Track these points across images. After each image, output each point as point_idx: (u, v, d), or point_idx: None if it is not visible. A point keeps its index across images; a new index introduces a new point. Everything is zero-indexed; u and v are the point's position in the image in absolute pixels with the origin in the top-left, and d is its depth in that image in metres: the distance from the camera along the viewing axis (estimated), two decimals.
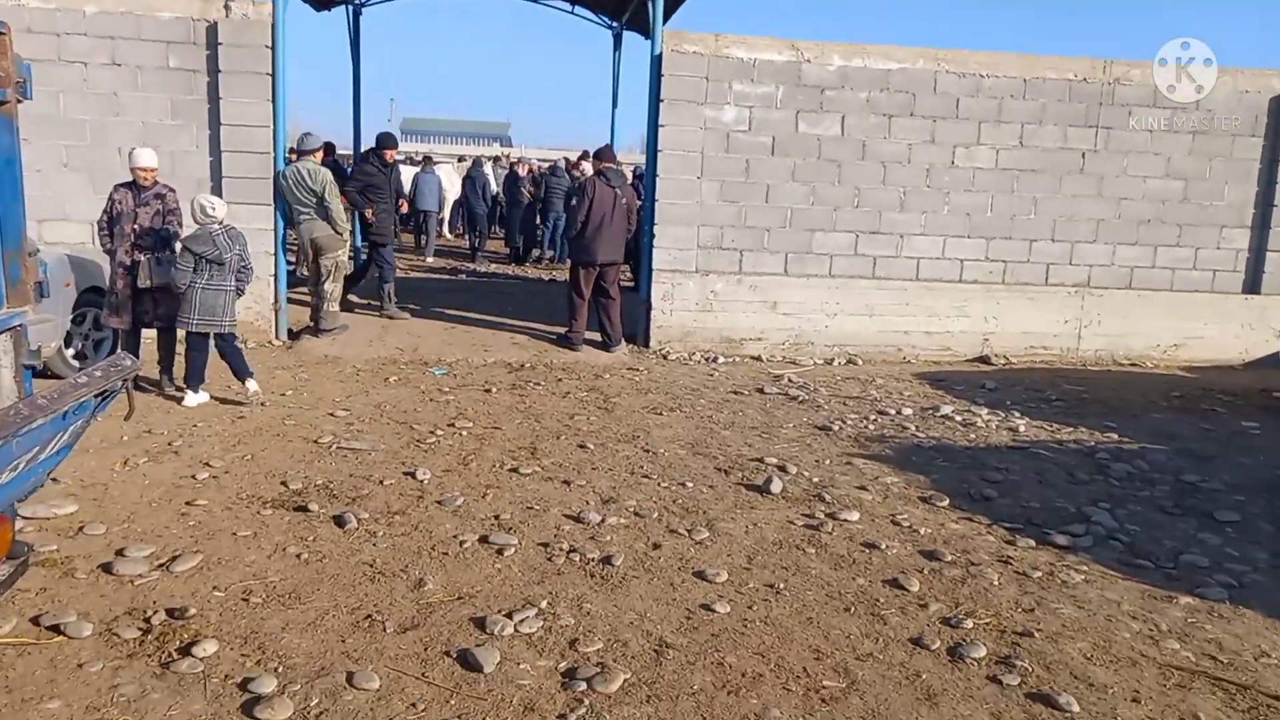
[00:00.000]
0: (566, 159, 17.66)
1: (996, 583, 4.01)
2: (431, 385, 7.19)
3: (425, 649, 3.27)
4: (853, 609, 3.72)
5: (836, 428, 6.46)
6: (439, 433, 5.90)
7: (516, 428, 6.12)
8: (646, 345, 8.91)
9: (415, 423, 6.11)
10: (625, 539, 4.34)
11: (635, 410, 6.72)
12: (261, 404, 6.36)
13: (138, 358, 6.62)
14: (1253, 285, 9.59)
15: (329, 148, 13.89)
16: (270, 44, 7.98)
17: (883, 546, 4.35)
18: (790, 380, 8.00)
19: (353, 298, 10.30)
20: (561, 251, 15.27)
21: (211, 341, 6.36)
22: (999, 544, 4.49)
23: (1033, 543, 4.50)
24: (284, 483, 4.87)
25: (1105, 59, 9.16)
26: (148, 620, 3.36)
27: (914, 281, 9.20)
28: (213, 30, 7.91)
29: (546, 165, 18.07)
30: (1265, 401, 7.90)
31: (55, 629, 3.27)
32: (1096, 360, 9.38)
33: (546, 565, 4.01)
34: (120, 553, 3.91)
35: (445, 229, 18.58)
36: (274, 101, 8.07)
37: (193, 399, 6.30)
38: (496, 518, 4.51)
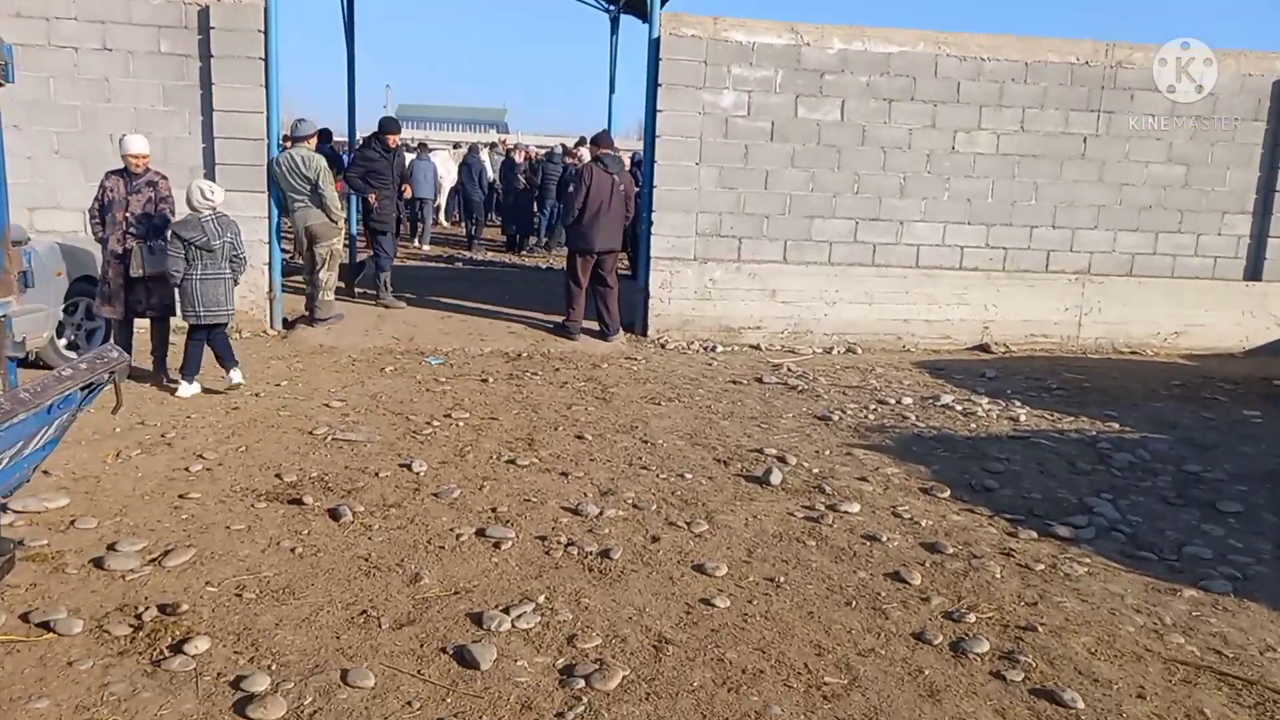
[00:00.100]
0: (564, 145, 17.53)
1: (999, 576, 3.97)
2: (428, 375, 7.13)
3: (421, 645, 3.22)
4: (854, 603, 3.68)
5: (836, 418, 6.41)
6: (435, 424, 5.84)
7: (514, 418, 6.06)
8: (644, 334, 8.85)
9: (411, 414, 6.05)
10: (624, 532, 4.29)
11: (633, 400, 6.67)
12: (256, 394, 6.30)
13: (130, 347, 6.60)
14: (1254, 272, 9.54)
15: (325, 135, 13.77)
16: (263, 28, 7.87)
17: (884, 539, 4.31)
18: (789, 369, 7.95)
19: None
20: (554, 239, 15.19)
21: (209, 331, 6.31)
22: (1001, 536, 4.45)
23: (1035, 534, 4.45)
24: (278, 475, 4.82)
25: (1108, 42, 9.06)
26: (139, 617, 3.31)
27: (914, 269, 9.13)
28: (204, 14, 7.80)
29: (543, 152, 17.95)
30: (1266, 390, 7.86)
31: (45, 626, 3.22)
32: (1097, 348, 9.33)
33: (544, 559, 3.96)
34: (112, 547, 3.86)
35: (442, 217, 18.47)
36: (267, 87, 7.97)
37: (186, 389, 6.24)
38: (493, 510, 4.47)
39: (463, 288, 10.81)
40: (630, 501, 4.66)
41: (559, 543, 4.11)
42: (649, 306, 8.85)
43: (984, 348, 9.10)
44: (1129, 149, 9.20)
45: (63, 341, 6.81)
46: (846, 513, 4.63)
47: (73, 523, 4.11)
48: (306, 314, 8.54)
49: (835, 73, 8.75)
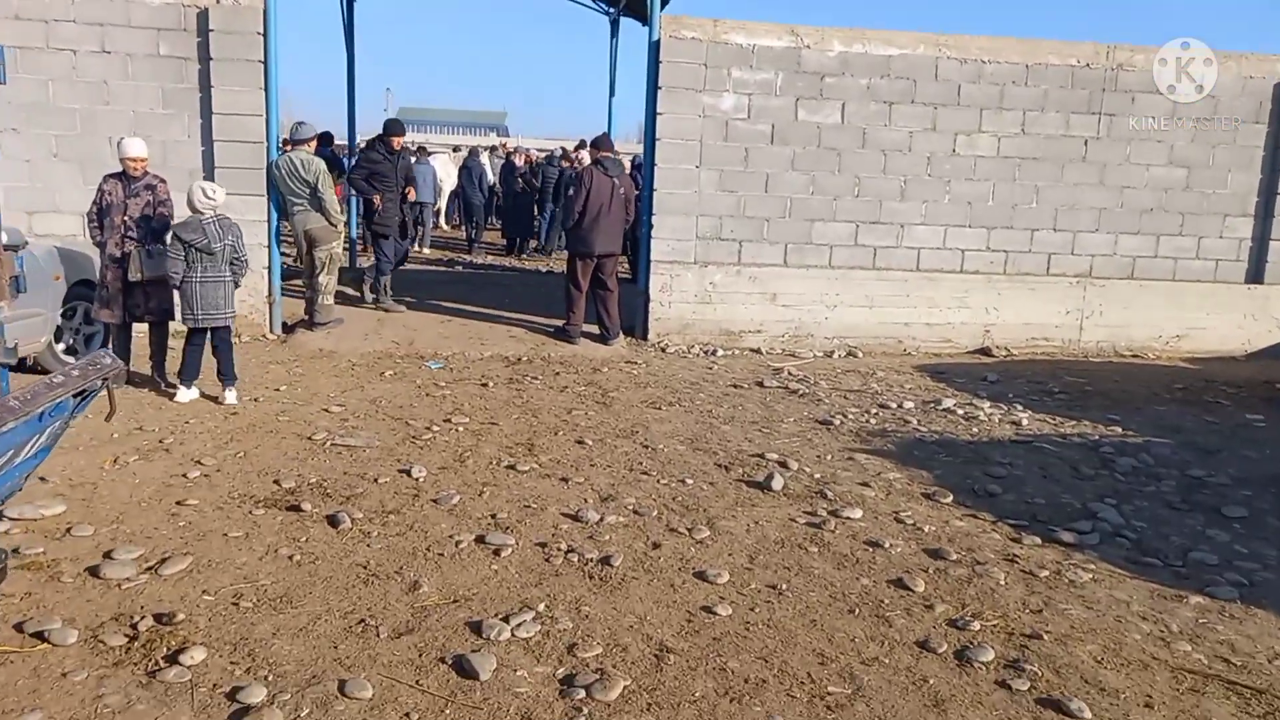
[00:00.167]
0: (564, 148, 17.51)
1: (1003, 582, 3.94)
2: (428, 380, 7.09)
3: (420, 655, 3.19)
4: (857, 611, 3.65)
5: (837, 422, 6.37)
6: (435, 429, 5.81)
7: (514, 423, 6.03)
8: (645, 338, 8.82)
9: (411, 418, 6.02)
10: (624, 538, 4.26)
11: (634, 405, 6.64)
12: (254, 399, 6.27)
13: (129, 352, 6.58)
14: (1256, 275, 9.51)
15: (327, 138, 13.75)
16: (262, 30, 7.84)
17: (886, 545, 4.27)
18: (790, 373, 7.92)
19: (348, 290, 10.20)
20: (552, 242, 15.16)
21: (208, 334, 6.24)
22: (1004, 542, 4.41)
23: (1039, 540, 4.42)
24: (277, 481, 4.78)
25: (1109, 44, 9.04)
26: (135, 626, 3.28)
27: (914, 272, 9.10)
28: (203, 16, 7.78)
29: (543, 155, 17.92)
30: (1269, 393, 7.83)
31: (39, 636, 3.18)
32: (1098, 351, 9.30)
33: (544, 566, 3.93)
34: (108, 555, 3.83)
35: (442, 220, 18.44)
36: (266, 90, 7.94)
37: (185, 394, 6.20)
38: (493, 517, 4.43)
39: (463, 291, 10.78)
40: (631, 507, 4.63)
41: (559, 549, 4.08)
42: (649, 310, 8.82)
43: (985, 351, 9.07)
44: (1130, 152, 9.17)
45: (61, 346, 6.78)
46: (849, 519, 4.60)
47: (69, 530, 4.08)
48: (306, 318, 8.51)
49: (835, 75, 8.73)
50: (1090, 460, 5.73)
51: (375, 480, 4.86)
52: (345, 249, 11.00)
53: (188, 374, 6.23)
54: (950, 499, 4.94)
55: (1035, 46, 9.00)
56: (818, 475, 5.25)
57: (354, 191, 10.35)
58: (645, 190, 8.85)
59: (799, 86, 8.70)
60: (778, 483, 4.98)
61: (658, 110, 8.56)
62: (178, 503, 4.45)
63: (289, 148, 8.43)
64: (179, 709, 2.83)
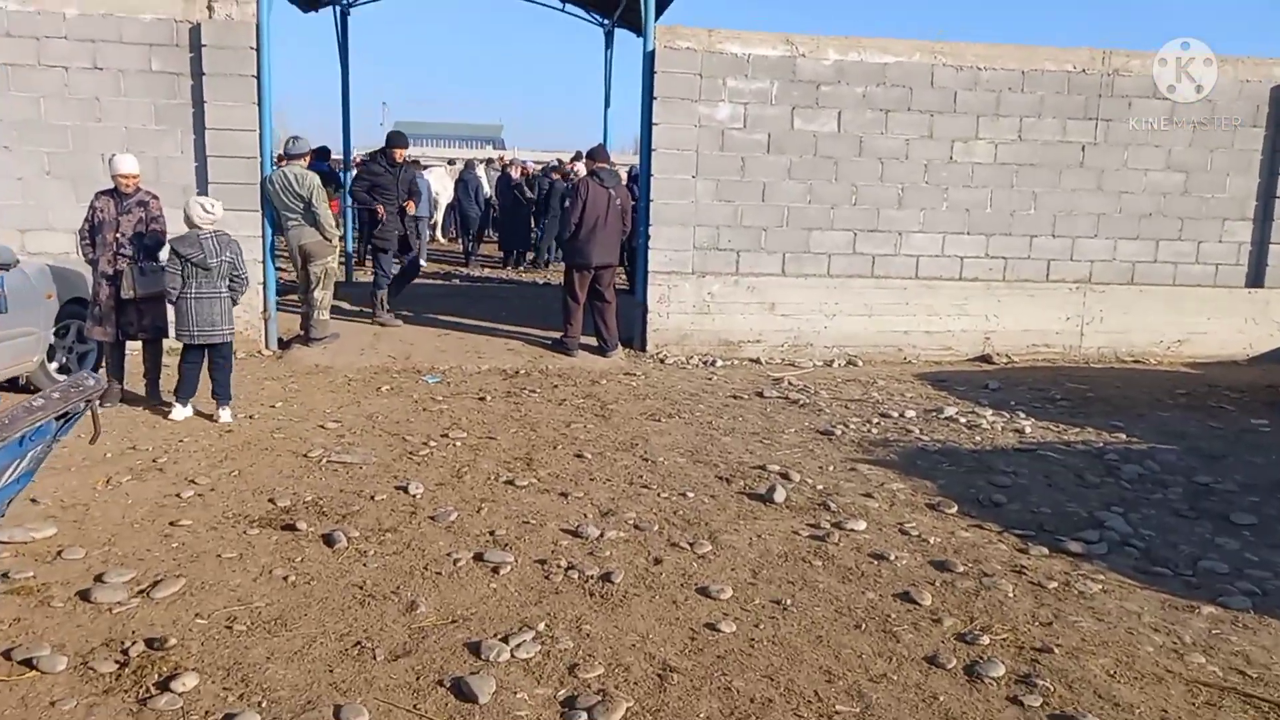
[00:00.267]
0: (560, 160, 17.49)
1: (1011, 594, 3.87)
2: (425, 394, 7.03)
3: (417, 678, 3.11)
4: (864, 626, 3.57)
5: (839, 432, 6.31)
6: (432, 444, 5.74)
7: (512, 437, 5.96)
8: (643, 349, 8.76)
9: (408, 434, 5.95)
10: (625, 554, 4.19)
11: (633, 417, 6.57)
12: (250, 417, 6.20)
13: (123, 370, 6.51)
14: (1256, 279, 9.47)
15: (324, 152, 13.71)
16: (255, 45, 7.80)
17: (892, 557, 4.20)
18: (790, 383, 7.86)
19: (346, 304, 10.15)
20: (541, 254, 15.12)
21: (205, 352, 6.17)
22: (1011, 552, 4.34)
23: (1046, 550, 4.35)
24: (272, 500, 4.71)
25: (1105, 50, 9.02)
26: (125, 652, 3.20)
27: (913, 280, 9.06)
28: (196, 32, 7.74)
29: (539, 167, 17.91)
30: (1272, 398, 7.77)
31: (28, 663, 3.11)
32: (1099, 357, 9.25)
33: (544, 584, 3.85)
34: (99, 578, 3.75)
35: (438, 233, 18.41)
36: (260, 104, 7.90)
37: (180, 412, 6.13)
38: (491, 534, 4.36)
39: (460, 304, 10.72)
40: (631, 522, 4.56)
41: (559, 566, 4.01)
42: (647, 321, 8.77)
43: (986, 358, 9.02)
44: (1128, 157, 9.15)
45: (54, 365, 6.71)
46: (852, 531, 4.53)
47: (60, 553, 4.00)
48: (302, 333, 8.45)
49: (831, 84, 8.70)
50: (1095, 468, 5.67)
51: (372, 498, 4.79)
52: (341, 264, 10.96)
53: (184, 391, 6.17)
54: (955, 509, 4.88)
55: (1031, 53, 8.98)
56: (820, 487, 5.18)
57: (355, 204, 10.32)
58: (642, 201, 8.81)
59: (795, 95, 8.68)
60: (780, 495, 4.91)
61: (653, 120, 8.53)
62: (171, 523, 4.37)
63: (284, 163, 8.38)
64: None
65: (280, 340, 8.44)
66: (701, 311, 8.78)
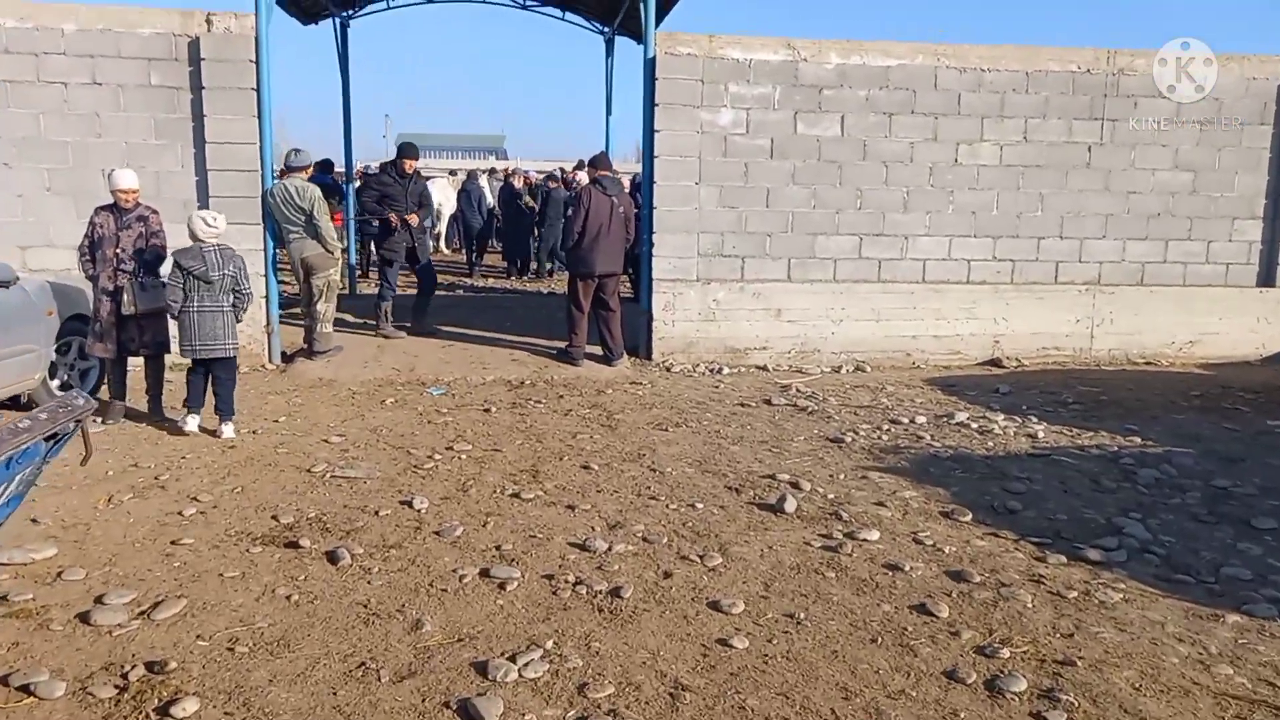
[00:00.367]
0: (562, 169, 17.44)
1: (1030, 605, 3.78)
2: (429, 406, 6.96)
3: (423, 700, 3.03)
4: (880, 639, 3.49)
5: (849, 439, 6.23)
6: (437, 457, 5.67)
7: (517, 449, 5.89)
8: (649, 358, 8.69)
9: (412, 447, 5.88)
10: (634, 568, 4.11)
11: (640, 427, 6.49)
12: (253, 432, 6.14)
13: (125, 387, 6.45)
14: (1267, 278, 9.38)
15: (327, 165, 13.68)
16: (254, 58, 7.78)
17: (906, 568, 4.12)
18: (798, 390, 7.77)
19: (349, 317, 10.10)
20: (542, 263, 15.06)
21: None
22: (1029, 561, 4.25)
23: (1064, 559, 4.26)
24: (275, 516, 4.64)
25: (1109, 49, 8.95)
26: (125, 676, 3.13)
27: (920, 284, 8.98)
28: (194, 45, 7.71)
29: (542, 176, 17.87)
30: None
31: (25, 690, 3.03)
32: (1110, 360, 9.15)
33: (552, 600, 3.78)
34: (99, 600, 3.68)
35: (442, 244, 18.37)
36: (260, 117, 7.87)
37: (192, 422, 6.09)
38: (498, 548, 4.28)
39: (464, 315, 10.65)
40: (640, 534, 4.48)
41: (567, 581, 3.93)
42: (653, 329, 8.70)
43: (995, 362, 8.93)
44: (1135, 157, 9.06)
45: (55, 382, 6.66)
46: (865, 540, 4.44)
47: (60, 574, 3.94)
48: (305, 347, 8.39)
49: (834, 88, 8.64)
50: (1111, 472, 5.57)
51: (376, 513, 4.72)
52: (344, 276, 10.92)
53: (192, 402, 6.12)
54: (969, 517, 4.79)
55: (1034, 54, 8.91)
56: (831, 496, 5.10)
57: (365, 214, 10.27)
58: (645, 208, 8.75)
59: (797, 100, 8.62)
60: (790, 505, 4.83)
61: (655, 127, 8.47)
62: (173, 542, 4.31)
63: (285, 175, 8.33)
64: None
65: (283, 354, 8.39)
66: (707, 319, 8.71)
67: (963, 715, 2.99)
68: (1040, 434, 6.42)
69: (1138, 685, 3.18)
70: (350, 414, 6.69)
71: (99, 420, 6.27)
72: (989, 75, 8.81)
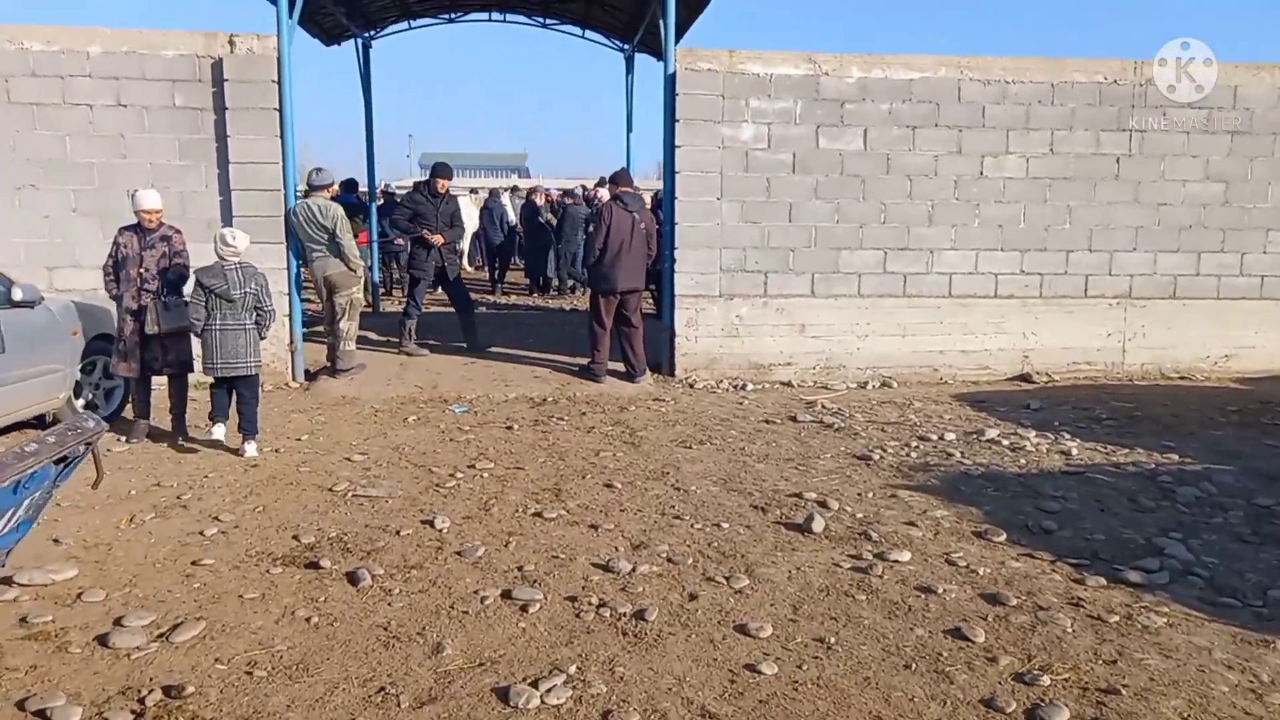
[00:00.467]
0: (583, 186, 17.47)
1: (1070, 630, 3.64)
2: (451, 424, 6.92)
3: None
4: (913, 665, 3.37)
5: (877, 457, 6.11)
6: (459, 475, 5.62)
7: (540, 467, 5.82)
8: (672, 374, 8.61)
9: (434, 465, 5.83)
10: (659, 589, 4.02)
11: (663, 444, 6.41)
12: (275, 450, 6.12)
13: (149, 406, 6.46)
14: None
15: (351, 184, 13.77)
16: (276, 79, 7.82)
17: (939, 590, 3.99)
18: (824, 406, 7.66)
19: (373, 335, 10.10)
20: (564, 280, 15.05)
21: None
22: (1066, 583, 4.12)
23: (1103, 581, 4.12)
24: (296, 536, 4.60)
25: (1135, 60, 8.82)
26: (142, 701, 3.07)
27: (947, 298, 8.85)
28: (218, 67, 7.77)
29: (562, 193, 17.90)
30: None
31: (41, 715, 2.99)
32: (1143, 374, 8.96)
33: (575, 623, 3.69)
34: (119, 622, 3.64)
35: (464, 261, 18.42)
36: (282, 137, 7.91)
37: (219, 431, 6.10)
38: (520, 569, 4.21)
39: (486, 332, 10.61)
40: (664, 555, 4.39)
41: (590, 604, 3.84)
42: (675, 345, 8.62)
43: (1025, 377, 8.77)
44: (1164, 168, 8.90)
45: (80, 402, 6.68)
46: (896, 562, 4.33)
47: (80, 595, 3.90)
48: (328, 365, 8.39)
49: (856, 101, 8.57)
50: (1148, 491, 5.42)
51: (397, 533, 4.66)
52: (368, 294, 10.93)
53: (218, 414, 6.14)
54: (1003, 537, 4.65)
55: (1060, 65, 8.80)
56: (860, 515, 4.98)
57: (395, 233, 10.31)
58: (667, 224, 8.70)
59: (819, 114, 8.55)
60: (818, 524, 4.72)
61: (676, 143, 8.43)
62: (193, 563, 4.27)
63: (308, 194, 8.37)
64: None
65: (307, 372, 8.39)
66: (730, 335, 8.63)
67: None
68: (1074, 451, 6.27)
69: (1186, 715, 3.04)
70: (373, 432, 6.66)
71: (123, 439, 6.29)
72: (1013, 87, 8.70)
